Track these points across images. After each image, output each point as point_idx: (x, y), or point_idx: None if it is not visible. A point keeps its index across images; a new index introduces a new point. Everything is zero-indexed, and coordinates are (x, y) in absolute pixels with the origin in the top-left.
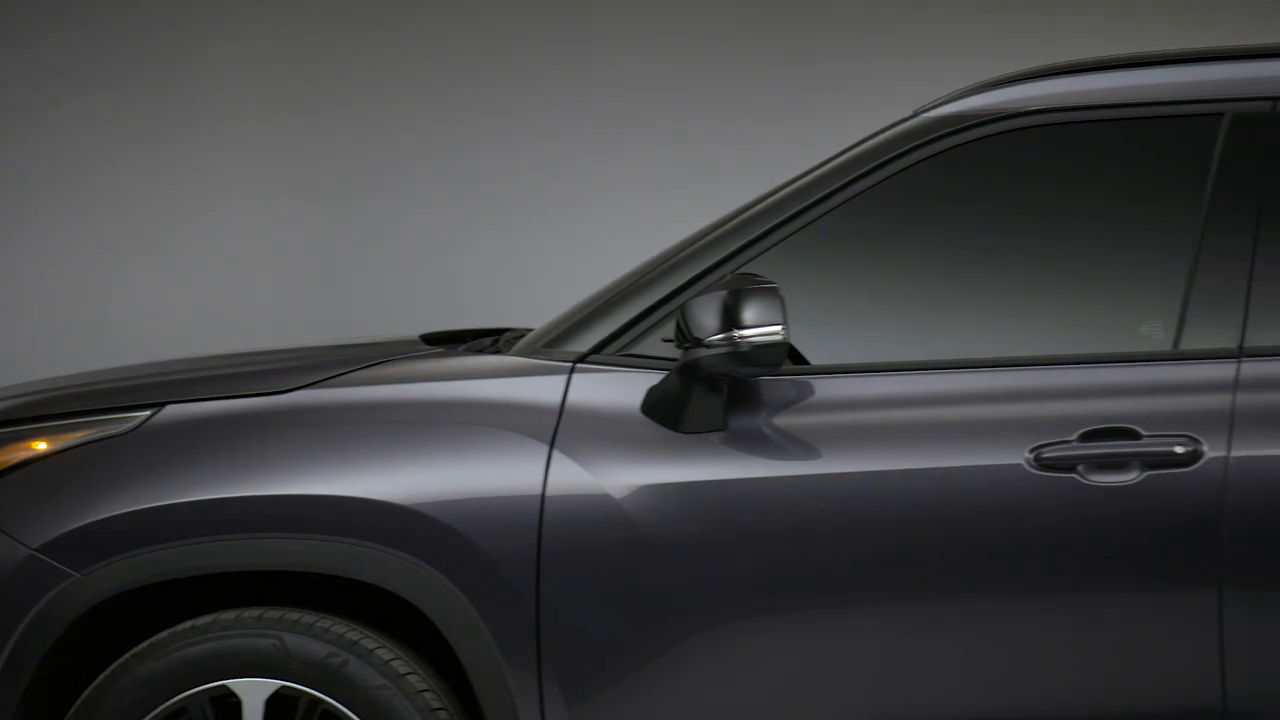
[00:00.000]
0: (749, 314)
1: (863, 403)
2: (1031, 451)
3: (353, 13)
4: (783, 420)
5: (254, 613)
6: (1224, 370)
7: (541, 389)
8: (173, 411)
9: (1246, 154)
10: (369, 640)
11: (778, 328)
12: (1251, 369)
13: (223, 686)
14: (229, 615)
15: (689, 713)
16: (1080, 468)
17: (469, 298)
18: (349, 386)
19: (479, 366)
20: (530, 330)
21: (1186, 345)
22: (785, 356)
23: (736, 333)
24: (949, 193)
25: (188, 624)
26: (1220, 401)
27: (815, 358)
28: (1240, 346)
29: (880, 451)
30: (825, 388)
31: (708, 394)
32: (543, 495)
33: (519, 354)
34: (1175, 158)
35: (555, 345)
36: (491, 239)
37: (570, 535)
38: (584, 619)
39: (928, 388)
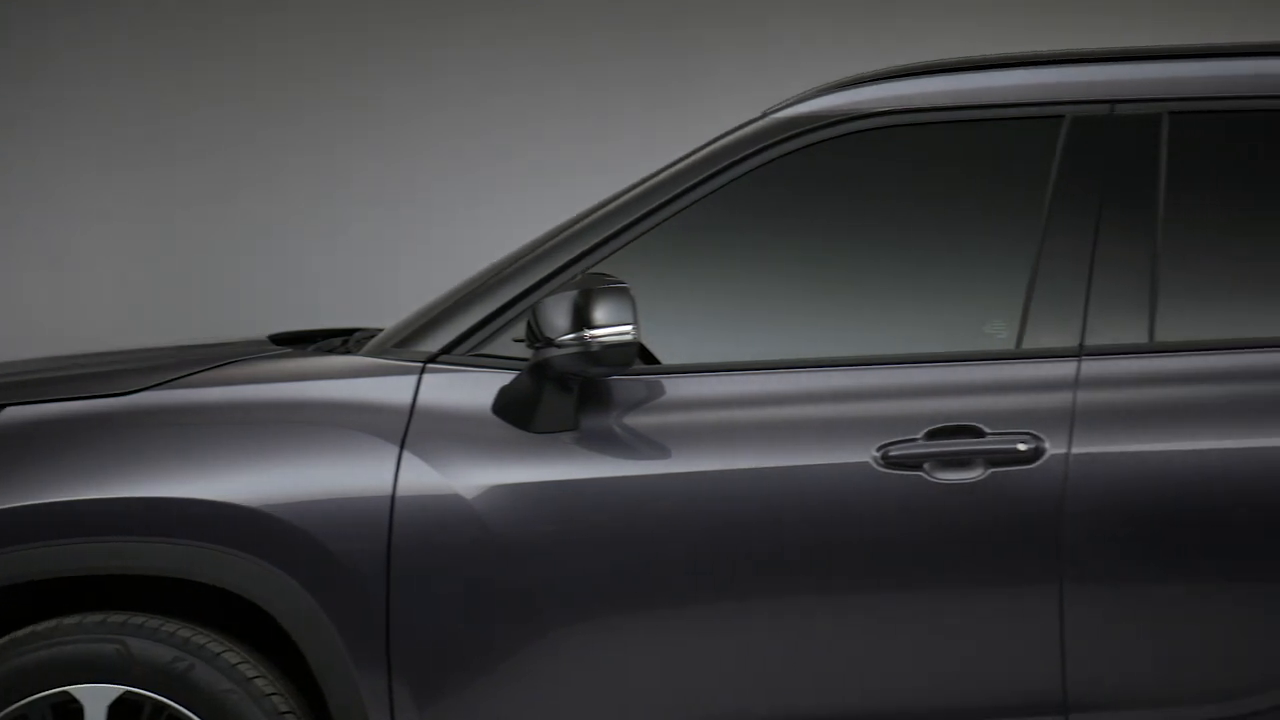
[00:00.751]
0: (600, 314)
1: (713, 402)
2: (879, 450)
3: (199, 10)
4: (634, 420)
5: (96, 617)
6: (1065, 369)
7: (392, 389)
8: (13, 413)
9: (1086, 155)
10: (215, 644)
11: (628, 327)
12: (1091, 367)
13: (64, 692)
14: (70, 620)
15: (541, 713)
16: (926, 465)
17: (319, 298)
18: (195, 388)
19: (328, 367)
20: (381, 330)
21: (1029, 344)
22: (636, 356)
23: (587, 332)
24: (799, 193)
25: (27, 630)
26: (1061, 400)
27: (666, 357)
28: (1080, 345)
29: (730, 450)
30: (676, 387)
31: (559, 394)
32: (393, 496)
33: (369, 354)
34: (1019, 159)
35: (406, 345)
36: (341, 238)
37: (421, 536)
38: (435, 620)
39: (777, 387)
